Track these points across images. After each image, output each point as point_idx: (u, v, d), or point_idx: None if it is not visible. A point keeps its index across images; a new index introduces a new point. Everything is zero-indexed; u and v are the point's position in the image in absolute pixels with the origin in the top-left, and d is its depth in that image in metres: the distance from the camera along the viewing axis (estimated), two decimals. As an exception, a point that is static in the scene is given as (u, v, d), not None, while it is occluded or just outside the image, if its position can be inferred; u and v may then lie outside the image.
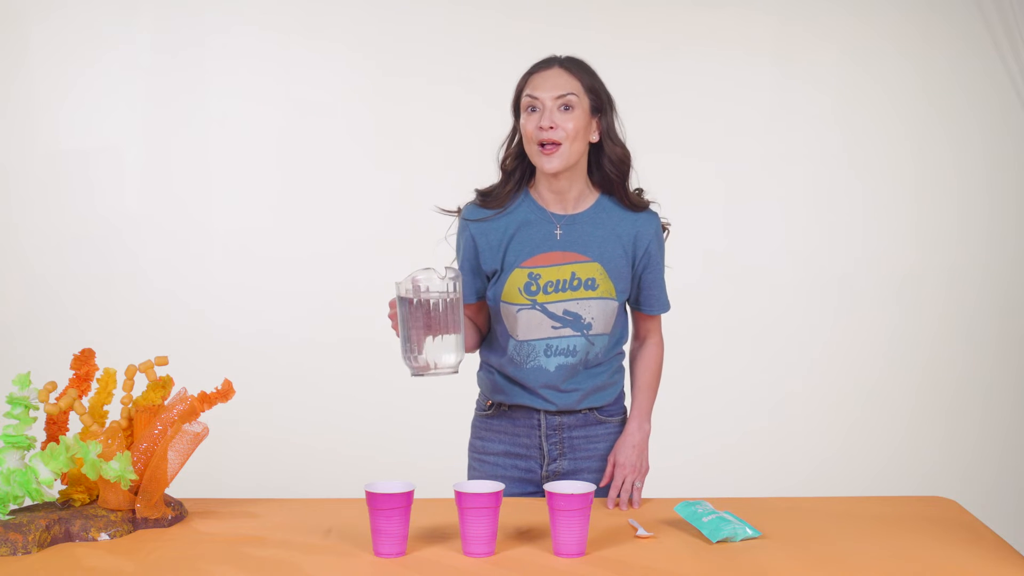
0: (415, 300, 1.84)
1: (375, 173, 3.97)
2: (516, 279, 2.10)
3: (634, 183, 2.16)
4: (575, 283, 2.09)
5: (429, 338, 1.85)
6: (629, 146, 2.16)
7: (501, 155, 2.15)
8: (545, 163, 2.04)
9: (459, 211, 2.19)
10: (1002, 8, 3.84)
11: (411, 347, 1.86)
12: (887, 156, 3.94)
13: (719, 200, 3.97)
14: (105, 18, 3.89)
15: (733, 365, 3.95)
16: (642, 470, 2.13)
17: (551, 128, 2.03)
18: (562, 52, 2.14)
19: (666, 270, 2.21)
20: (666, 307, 2.21)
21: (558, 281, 2.09)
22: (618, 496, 2.06)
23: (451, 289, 1.86)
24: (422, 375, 1.85)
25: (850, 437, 3.92)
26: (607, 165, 2.11)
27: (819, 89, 3.93)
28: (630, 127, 2.19)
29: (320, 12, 3.92)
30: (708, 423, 3.92)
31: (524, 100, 2.07)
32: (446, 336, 1.86)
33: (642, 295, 2.19)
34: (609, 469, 2.12)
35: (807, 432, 3.92)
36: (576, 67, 2.09)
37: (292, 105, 3.95)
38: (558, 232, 2.11)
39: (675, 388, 3.73)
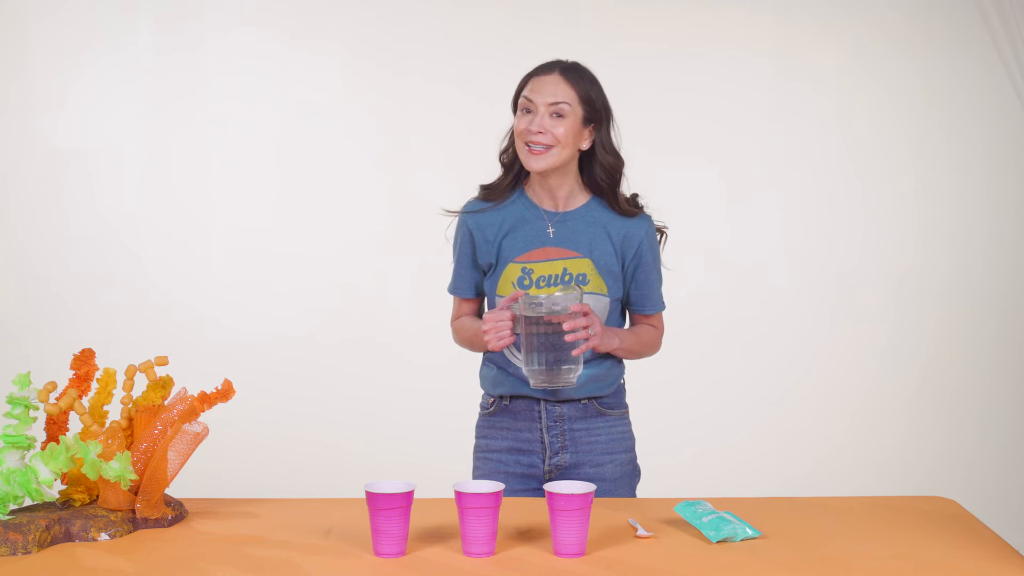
0: (545, 317, 1.98)
1: (375, 173, 3.97)
2: (510, 273, 2.16)
3: (626, 189, 2.21)
4: (567, 278, 2.15)
5: (560, 353, 2.00)
6: (629, 147, 2.20)
7: (501, 149, 2.23)
8: (532, 162, 2.12)
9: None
10: (1002, 8, 3.84)
11: (542, 360, 2.00)
12: (887, 156, 3.94)
13: (720, 200, 3.97)
14: (105, 18, 3.89)
15: (733, 364, 3.94)
16: (598, 330, 2.04)
17: (539, 132, 2.10)
18: (567, 57, 2.18)
19: (664, 271, 2.25)
20: (660, 306, 2.24)
21: (550, 276, 2.15)
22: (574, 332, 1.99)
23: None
24: (549, 386, 2.03)
25: (850, 436, 3.92)
26: (598, 172, 2.17)
27: (819, 89, 3.93)
28: (630, 127, 2.22)
29: (320, 12, 3.91)
30: (708, 423, 3.92)
31: (520, 100, 2.15)
32: (572, 348, 2.01)
33: (634, 295, 2.22)
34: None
35: (807, 432, 3.92)
36: (576, 76, 2.13)
37: (292, 105, 3.95)
38: (550, 230, 2.17)
39: (675, 388, 3.76)
